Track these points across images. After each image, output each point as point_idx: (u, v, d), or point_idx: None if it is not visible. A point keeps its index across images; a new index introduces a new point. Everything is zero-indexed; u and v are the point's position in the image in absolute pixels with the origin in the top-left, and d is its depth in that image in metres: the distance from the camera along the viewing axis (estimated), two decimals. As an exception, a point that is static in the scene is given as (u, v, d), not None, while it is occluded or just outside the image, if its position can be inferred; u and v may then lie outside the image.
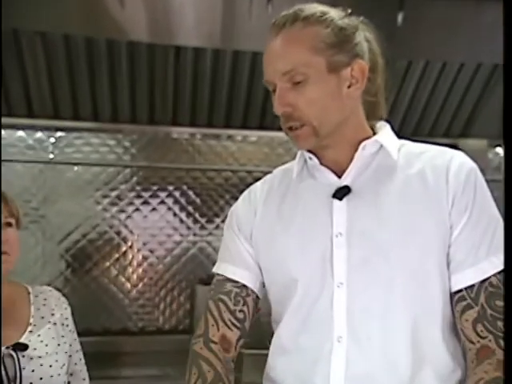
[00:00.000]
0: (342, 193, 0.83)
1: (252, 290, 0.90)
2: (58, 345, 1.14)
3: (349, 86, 0.83)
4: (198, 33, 1.93)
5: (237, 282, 0.90)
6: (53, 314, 1.18)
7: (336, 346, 0.79)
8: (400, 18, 1.84)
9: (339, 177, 0.85)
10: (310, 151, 0.88)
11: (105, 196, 2.29)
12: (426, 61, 2.11)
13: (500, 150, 2.55)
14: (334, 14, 0.84)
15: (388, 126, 0.90)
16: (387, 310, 0.79)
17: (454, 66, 2.14)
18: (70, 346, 1.18)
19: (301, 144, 0.85)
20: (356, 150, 0.84)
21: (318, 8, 0.84)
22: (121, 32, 1.85)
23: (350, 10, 0.85)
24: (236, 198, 0.90)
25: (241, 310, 0.89)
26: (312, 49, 0.81)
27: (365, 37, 0.85)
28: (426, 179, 0.82)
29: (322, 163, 0.87)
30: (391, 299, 0.79)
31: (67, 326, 1.20)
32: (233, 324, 0.88)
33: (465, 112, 2.35)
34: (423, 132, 2.41)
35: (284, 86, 0.81)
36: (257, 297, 0.91)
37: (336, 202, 0.84)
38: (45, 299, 1.20)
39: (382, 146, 0.85)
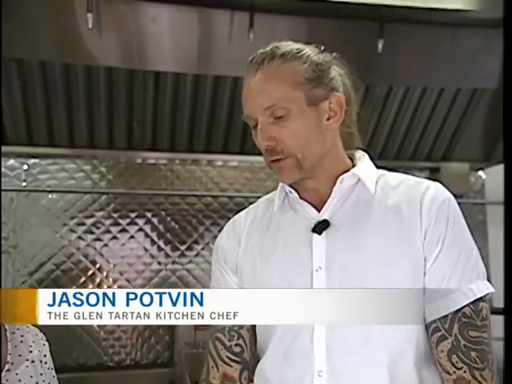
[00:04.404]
0: (321, 227, 0.88)
1: None
2: (37, 383, 1.15)
3: (328, 119, 0.88)
4: (177, 58, 1.99)
5: None
6: (31, 352, 1.17)
7: (317, 379, 0.83)
8: (380, 45, 1.93)
9: (319, 210, 0.90)
10: (290, 185, 0.92)
11: (80, 224, 2.30)
12: (407, 86, 2.21)
13: (482, 174, 2.66)
14: (309, 50, 0.90)
15: (366, 157, 0.95)
16: (365, 344, 0.83)
17: (434, 91, 2.25)
18: (49, 384, 1.19)
19: (285, 176, 0.89)
20: (335, 181, 0.89)
21: (294, 45, 0.91)
22: (98, 58, 1.90)
23: (323, 47, 0.93)
24: (217, 224, 0.94)
25: (236, 344, 0.92)
26: (291, 84, 0.86)
27: (338, 72, 0.92)
28: (401, 212, 0.86)
29: (302, 196, 0.92)
30: (368, 334, 0.83)
31: (45, 363, 1.20)
32: (231, 360, 0.92)
33: (446, 136, 2.44)
34: (405, 155, 2.50)
35: (266, 121, 0.86)
36: (252, 326, 0.94)
37: (315, 236, 0.88)
38: (22, 336, 1.20)
39: (359, 178, 0.90)
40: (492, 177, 2.59)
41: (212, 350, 0.94)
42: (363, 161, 0.94)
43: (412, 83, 2.19)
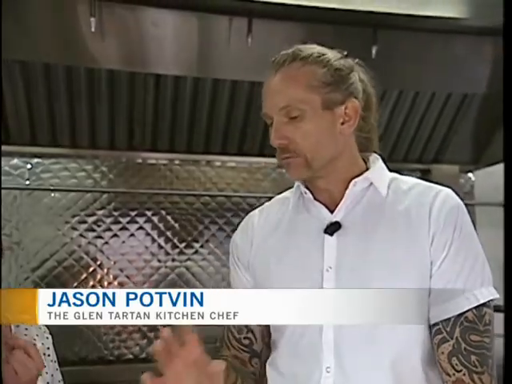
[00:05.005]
0: (332, 228, 0.89)
1: None
2: (40, 375, 1.16)
3: (342, 123, 0.89)
4: (178, 62, 2.02)
5: None
6: (34, 344, 1.18)
7: (325, 375, 0.85)
8: (374, 50, 1.96)
9: (332, 211, 0.91)
10: (306, 187, 0.94)
11: (82, 222, 2.32)
12: (399, 91, 2.24)
13: (471, 176, 2.69)
14: (331, 54, 0.90)
15: (380, 160, 0.95)
16: (372, 341, 0.84)
17: (426, 95, 2.28)
18: (52, 376, 1.21)
19: (292, 173, 0.90)
20: (348, 184, 0.90)
21: (316, 48, 0.90)
22: (100, 61, 1.92)
23: (345, 52, 0.93)
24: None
25: (245, 337, 0.97)
26: (308, 87, 0.87)
27: (359, 77, 0.93)
28: (411, 217, 0.86)
29: (316, 197, 0.92)
30: (376, 332, 0.84)
31: (49, 355, 1.22)
32: (240, 349, 0.97)
33: (437, 139, 2.47)
34: (398, 158, 2.52)
35: (281, 120, 0.87)
36: None
37: (327, 237, 0.89)
38: (26, 329, 1.21)
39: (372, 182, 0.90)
40: (481, 179, 2.63)
41: (225, 336, 0.99)
42: (376, 164, 0.94)
43: (404, 88, 2.22)
